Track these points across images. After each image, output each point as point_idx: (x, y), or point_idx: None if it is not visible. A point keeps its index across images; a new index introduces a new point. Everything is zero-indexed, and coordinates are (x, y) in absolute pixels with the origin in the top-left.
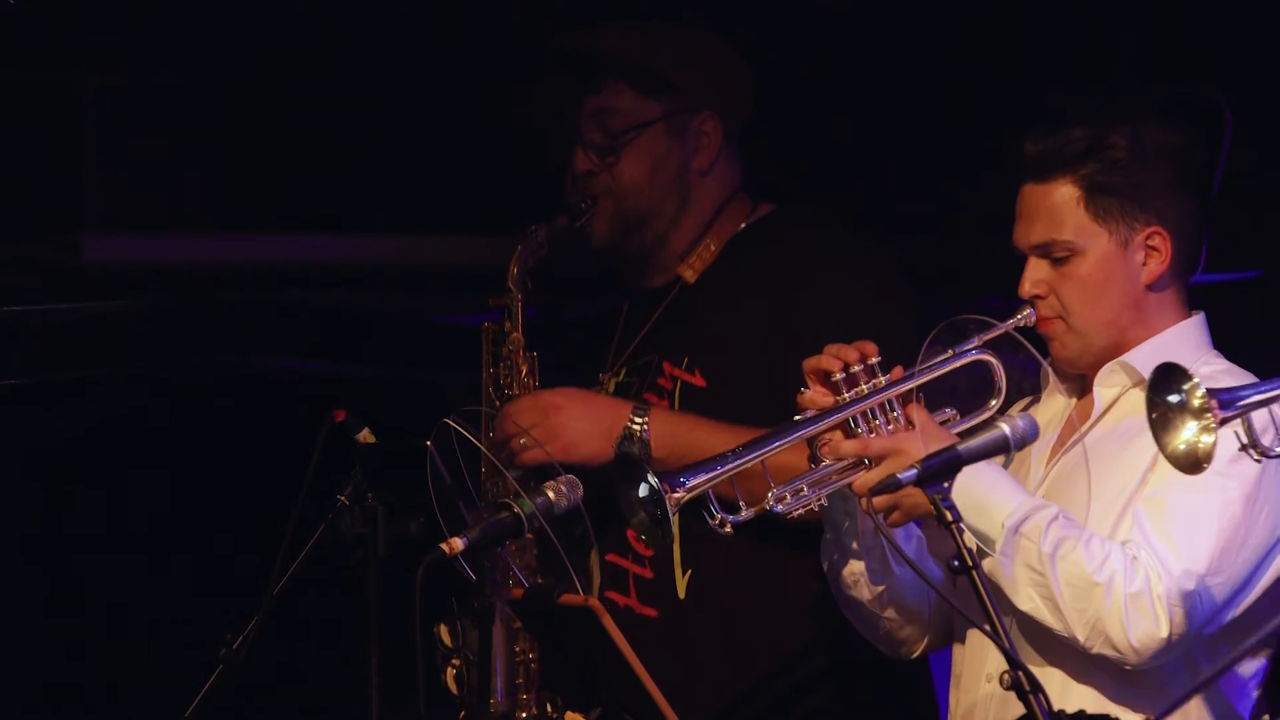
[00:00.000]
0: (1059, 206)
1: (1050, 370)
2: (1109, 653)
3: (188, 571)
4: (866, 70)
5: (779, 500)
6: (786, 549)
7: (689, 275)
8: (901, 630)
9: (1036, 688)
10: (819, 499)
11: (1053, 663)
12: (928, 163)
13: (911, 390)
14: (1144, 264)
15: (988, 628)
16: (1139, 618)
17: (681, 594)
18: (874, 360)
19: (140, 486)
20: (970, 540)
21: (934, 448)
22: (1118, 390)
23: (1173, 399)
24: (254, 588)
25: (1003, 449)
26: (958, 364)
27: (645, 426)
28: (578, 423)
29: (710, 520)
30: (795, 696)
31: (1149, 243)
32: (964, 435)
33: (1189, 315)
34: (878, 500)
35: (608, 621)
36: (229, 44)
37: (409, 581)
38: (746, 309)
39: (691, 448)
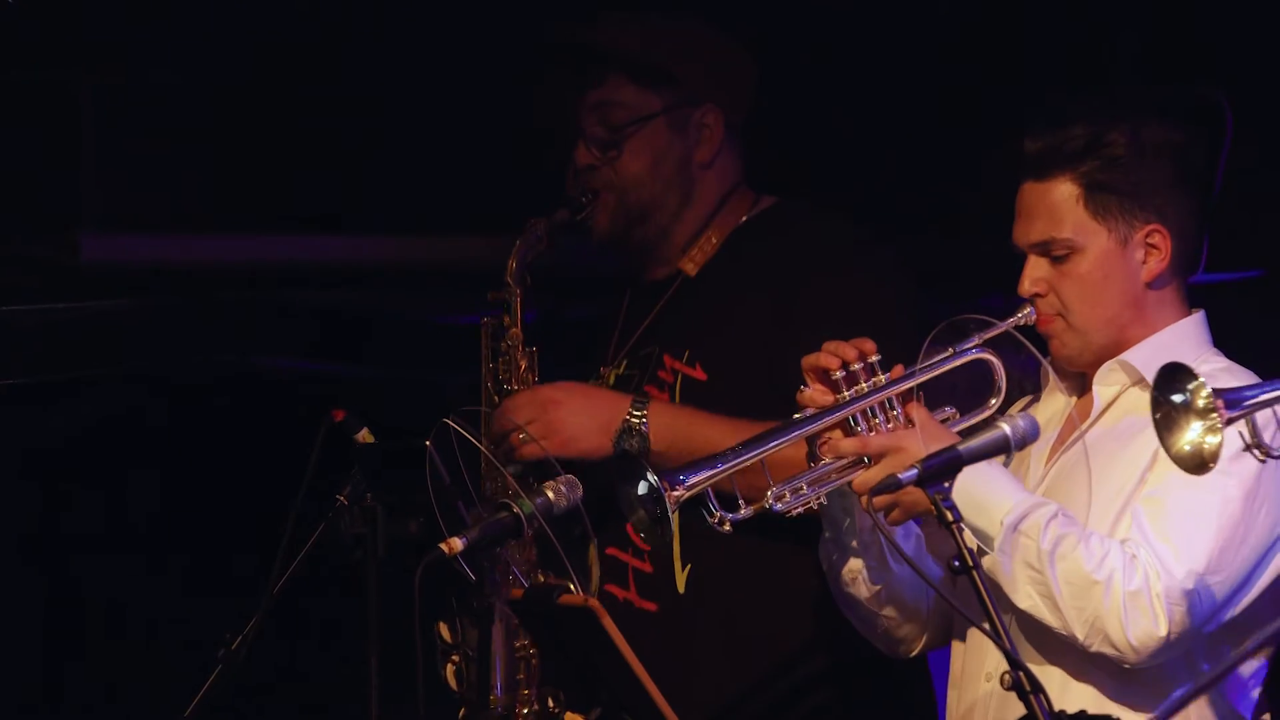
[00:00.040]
0: (1058, 204)
1: (1050, 369)
2: (1108, 651)
3: (187, 571)
4: (866, 70)
5: (778, 499)
6: (786, 545)
7: (690, 268)
8: (900, 628)
9: (1037, 688)
10: (818, 497)
11: (1052, 661)
12: (927, 161)
13: (911, 389)
14: (1144, 262)
15: (987, 627)
16: (1138, 616)
17: (681, 589)
18: (873, 358)
19: (139, 486)
20: (970, 539)
21: (934, 446)
22: (1117, 389)
23: (1177, 399)
24: (253, 588)
25: (1003, 449)
26: (958, 363)
27: (644, 420)
28: (576, 417)
29: (709, 519)
30: (794, 694)
31: (1149, 241)
32: (964, 434)
33: (1189, 313)
34: (877, 499)
35: (607, 622)
36: (228, 43)
37: (408, 581)
38: (747, 303)
39: (691, 441)
